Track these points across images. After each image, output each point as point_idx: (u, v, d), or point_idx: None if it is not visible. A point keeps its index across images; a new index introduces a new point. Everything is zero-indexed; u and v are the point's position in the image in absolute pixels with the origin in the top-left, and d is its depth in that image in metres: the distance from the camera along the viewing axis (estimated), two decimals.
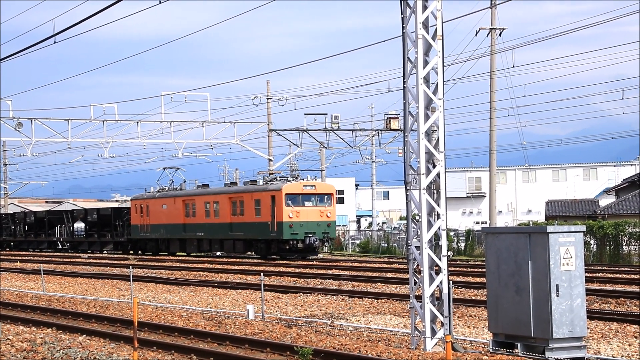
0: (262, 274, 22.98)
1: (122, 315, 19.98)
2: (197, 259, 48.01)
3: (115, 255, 56.22)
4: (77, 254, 58.96)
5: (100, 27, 21.67)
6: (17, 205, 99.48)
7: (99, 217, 60.84)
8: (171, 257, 50.86)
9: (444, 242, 14.02)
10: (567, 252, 12.82)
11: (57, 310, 21.47)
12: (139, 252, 56.42)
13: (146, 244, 55.66)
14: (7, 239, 72.33)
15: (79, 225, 63.86)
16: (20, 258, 52.64)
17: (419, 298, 14.15)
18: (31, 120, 49.54)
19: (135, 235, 55.80)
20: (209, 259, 46.56)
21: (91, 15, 17.92)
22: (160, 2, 18.13)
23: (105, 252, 60.30)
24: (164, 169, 56.45)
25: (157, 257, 52.14)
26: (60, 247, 66.14)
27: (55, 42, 20.98)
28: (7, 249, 69.90)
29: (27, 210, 73.59)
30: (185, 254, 52.75)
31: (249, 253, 48.35)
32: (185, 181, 54.91)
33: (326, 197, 45.24)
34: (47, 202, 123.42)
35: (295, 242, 43.85)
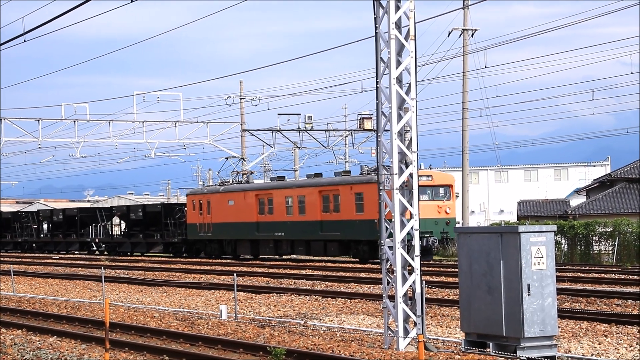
0: (235, 274, 22.94)
1: (93, 316, 19.83)
2: (170, 259, 47.77)
3: (87, 256, 55.73)
4: (49, 255, 57.99)
5: (71, 26, 21.51)
6: None
7: (144, 215, 53.59)
8: (143, 258, 50.32)
9: (416, 242, 14.07)
10: (539, 251, 12.91)
11: (27, 311, 21.27)
12: (195, 255, 48.99)
13: (206, 246, 47.94)
14: (29, 240, 64.09)
15: (115, 223, 57.64)
16: None
17: (391, 298, 14.17)
18: (1, 120, 49.07)
19: (193, 236, 48.20)
20: (183, 260, 46.37)
21: (62, 14, 17.78)
22: (131, 1, 18.01)
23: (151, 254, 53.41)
24: (226, 158, 50.29)
25: (129, 258, 51.54)
26: (94, 249, 58.46)
27: (25, 41, 20.79)
28: (29, 251, 63.16)
29: (53, 208, 67.46)
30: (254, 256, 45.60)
31: (344, 257, 41.36)
32: (252, 173, 48.78)
33: (443, 189, 38.23)
34: (17, 202, 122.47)
35: None
